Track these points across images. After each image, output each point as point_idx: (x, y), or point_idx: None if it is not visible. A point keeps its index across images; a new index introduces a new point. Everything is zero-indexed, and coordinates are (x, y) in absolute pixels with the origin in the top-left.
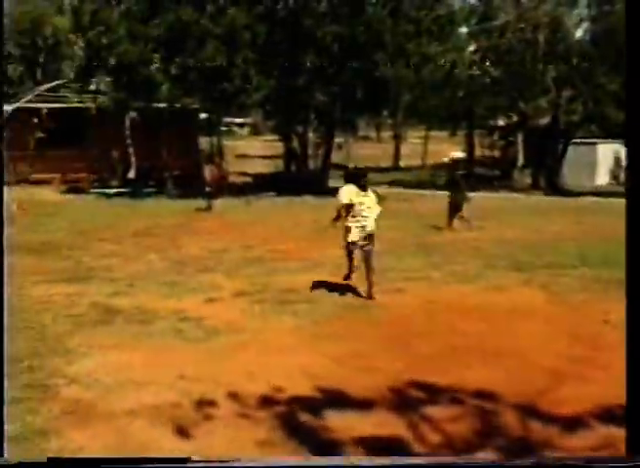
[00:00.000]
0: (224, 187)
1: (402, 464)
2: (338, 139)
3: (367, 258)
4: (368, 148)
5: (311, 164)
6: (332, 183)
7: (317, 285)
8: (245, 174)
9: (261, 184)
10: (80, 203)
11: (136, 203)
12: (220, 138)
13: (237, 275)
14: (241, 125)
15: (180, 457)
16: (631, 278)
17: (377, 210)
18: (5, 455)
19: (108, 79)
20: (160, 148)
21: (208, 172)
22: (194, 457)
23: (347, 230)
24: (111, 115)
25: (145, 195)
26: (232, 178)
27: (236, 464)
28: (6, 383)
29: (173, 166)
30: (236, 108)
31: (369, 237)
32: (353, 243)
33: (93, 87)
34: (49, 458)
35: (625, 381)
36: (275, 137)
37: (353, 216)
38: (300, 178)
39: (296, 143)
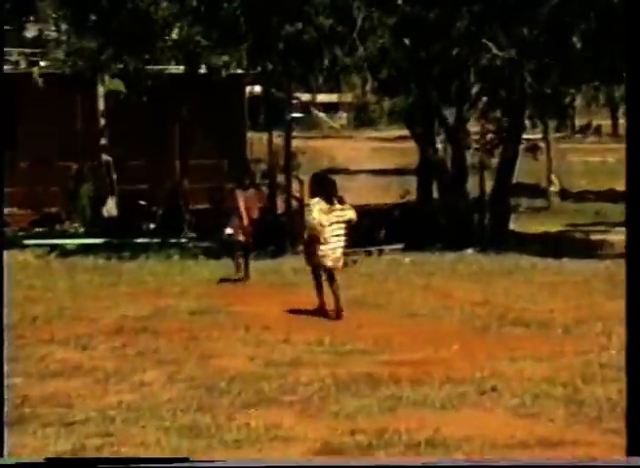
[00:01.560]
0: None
1: (402, 464)
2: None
3: (332, 275)
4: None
5: (471, 186)
6: (518, 225)
7: None
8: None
9: (375, 226)
10: (8, 265)
11: (118, 266)
12: (290, 134)
13: (324, 415)
14: (331, 108)
15: (179, 457)
16: (631, 278)
17: (348, 216)
18: (5, 455)
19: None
20: (167, 157)
21: (241, 202)
22: (192, 458)
23: (319, 255)
24: (73, 88)
25: (138, 249)
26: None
27: (234, 464)
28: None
29: (190, 192)
30: (323, 75)
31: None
32: (324, 267)
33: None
34: (47, 459)
35: (625, 381)
36: (399, 133)
37: (324, 242)
38: (452, 216)
39: (441, 147)
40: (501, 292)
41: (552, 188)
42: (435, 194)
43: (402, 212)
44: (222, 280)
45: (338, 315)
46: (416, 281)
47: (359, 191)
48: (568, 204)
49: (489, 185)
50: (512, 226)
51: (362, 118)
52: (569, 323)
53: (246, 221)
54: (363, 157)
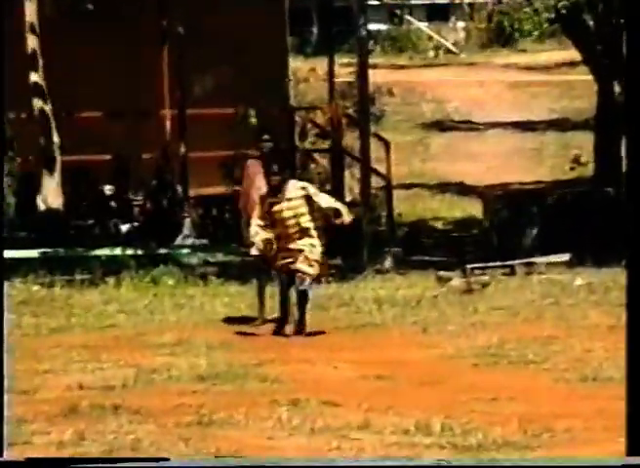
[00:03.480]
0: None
1: (402, 464)
2: None
3: (302, 298)
4: None
5: None
6: None
7: None
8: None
9: (520, 223)
10: None
11: (67, 298)
12: (366, 61)
13: None
14: (439, 14)
15: (159, 457)
16: (631, 278)
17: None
18: (5, 455)
19: None
20: (149, 105)
21: (254, 189)
22: (173, 457)
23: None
24: None
25: (101, 268)
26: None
27: (215, 464)
28: (6, 384)
29: (192, 167)
30: None
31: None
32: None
33: None
34: (27, 458)
35: (625, 381)
36: (561, 56)
37: (288, 233)
38: None
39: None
40: None
41: None
42: (626, 165)
43: (566, 197)
44: (242, 320)
45: (299, 329)
46: (595, 317)
47: (491, 160)
48: None
49: None
50: None
51: (493, 31)
52: None
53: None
54: (496, 100)
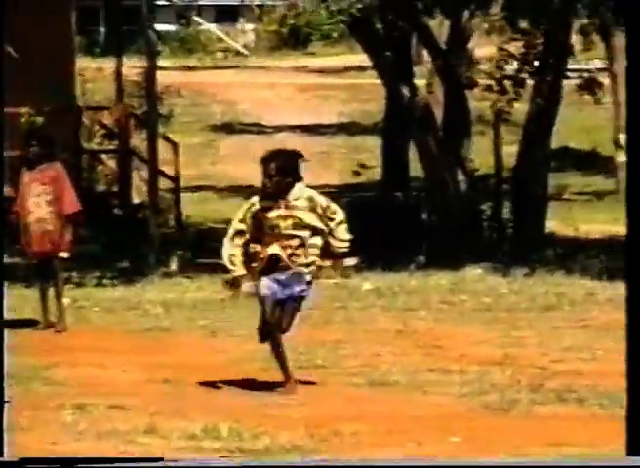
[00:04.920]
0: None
1: (402, 464)
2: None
3: (283, 318)
4: None
5: (479, 155)
6: (564, 223)
7: None
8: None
9: None
10: None
11: None
12: (154, 62)
13: None
14: (228, 16)
15: (152, 457)
16: (631, 278)
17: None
18: (5, 455)
19: None
20: None
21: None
22: (166, 458)
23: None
24: None
25: None
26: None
27: (207, 463)
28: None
29: None
30: None
31: (299, 280)
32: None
33: None
34: (21, 458)
35: (625, 381)
36: (350, 60)
37: (268, 238)
38: (444, 209)
39: (425, 85)
40: (533, 341)
41: (622, 158)
42: (415, 169)
43: (354, 201)
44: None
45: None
46: (383, 321)
47: None
48: None
49: (510, 153)
50: (551, 226)
51: (283, 33)
52: None
53: (34, 223)
54: (287, 102)
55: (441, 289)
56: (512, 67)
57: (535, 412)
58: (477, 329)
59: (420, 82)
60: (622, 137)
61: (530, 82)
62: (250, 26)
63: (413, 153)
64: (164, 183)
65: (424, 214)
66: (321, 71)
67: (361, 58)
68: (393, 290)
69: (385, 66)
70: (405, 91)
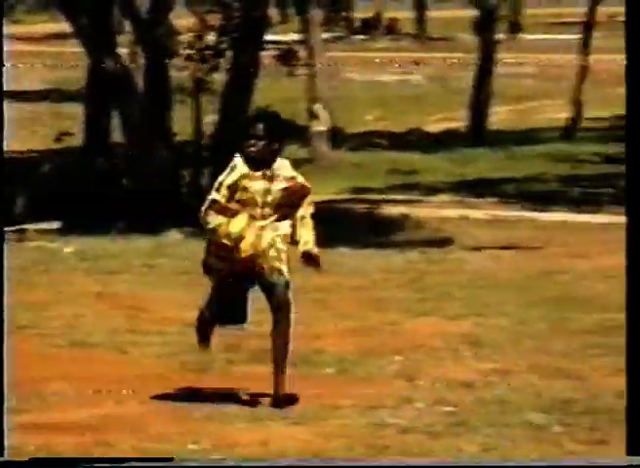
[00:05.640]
0: None
1: (402, 464)
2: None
3: (279, 308)
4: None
5: (180, 123)
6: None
7: None
8: None
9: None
10: None
11: None
12: None
13: None
14: None
15: (163, 457)
16: (631, 277)
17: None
18: (5, 455)
19: None
20: None
21: None
22: (177, 458)
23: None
24: None
25: None
26: None
27: (217, 464)
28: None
29: None
30: None
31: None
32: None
33: None
34: (31, 458)
35: (625, 381)
36: (51, 27)
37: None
38: (144, 175)
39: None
40: None
41: (317, 127)
42: (116, 136)
43: (58, 166)
44: None
45: (275, 401)
46: (85, 285)
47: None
48: (344, 153)
49: (210, 122)
50: None
51: None
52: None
53: None
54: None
55: (142, 252)
56: (213, 38)
57: (231, 372)
58: (178, 292)
59: (122, 50)
60: (317, 108)
61: (230, 53)
62: None
63: (115, 120)
64: None
65: (125, 179)
66: (26, 39)
67: (65, 27)
68: (95, 253)
69: (86, 34)
70: (106, 59)
